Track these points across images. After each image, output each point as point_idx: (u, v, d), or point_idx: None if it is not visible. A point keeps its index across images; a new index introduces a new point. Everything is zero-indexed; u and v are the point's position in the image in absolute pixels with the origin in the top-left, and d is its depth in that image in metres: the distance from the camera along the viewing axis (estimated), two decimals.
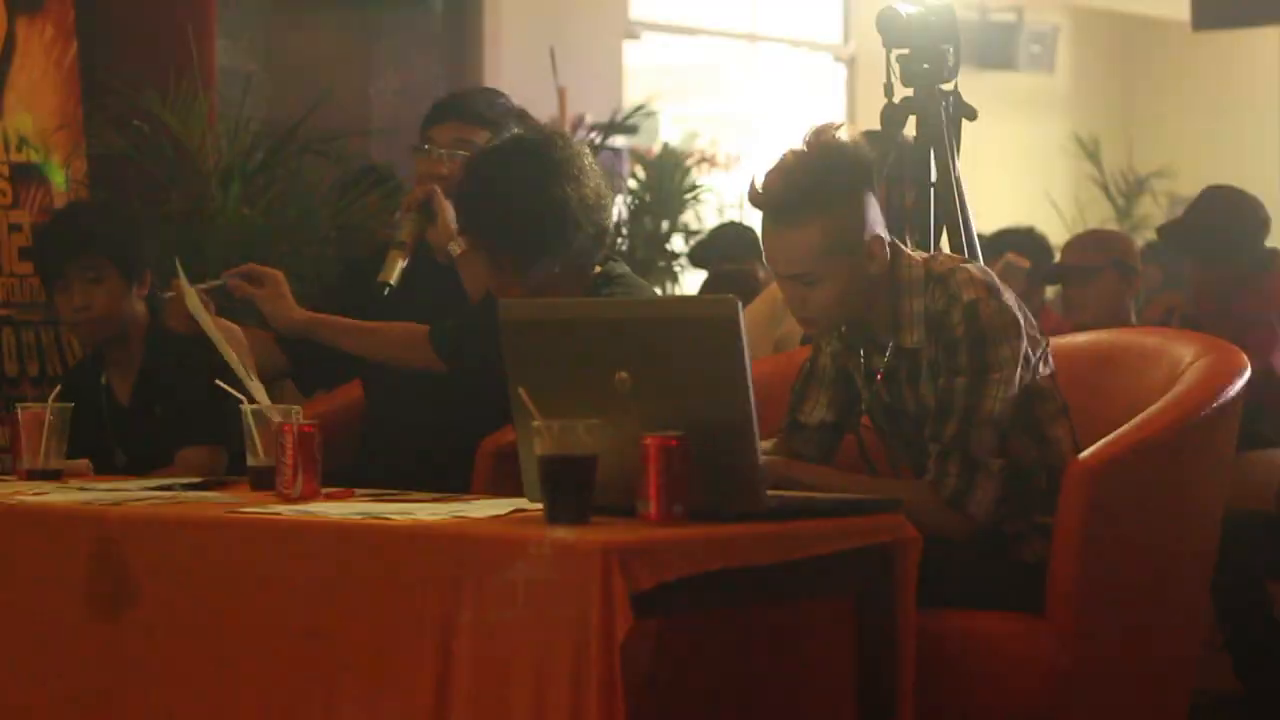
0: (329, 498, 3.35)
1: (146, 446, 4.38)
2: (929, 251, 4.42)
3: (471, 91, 4.36)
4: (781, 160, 3.39)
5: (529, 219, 3.78)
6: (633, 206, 7.78)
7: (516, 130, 4.11)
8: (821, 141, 3.39)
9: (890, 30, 4.48)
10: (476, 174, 3.88)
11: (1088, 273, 5.90)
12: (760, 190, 3.39)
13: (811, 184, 3.36)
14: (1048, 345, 3.55)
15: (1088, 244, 6.18)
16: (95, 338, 4.49)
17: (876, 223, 3.42)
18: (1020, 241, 6.92)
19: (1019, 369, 3.40)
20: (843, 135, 3.40)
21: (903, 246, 3.50)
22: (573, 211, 3.79)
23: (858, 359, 3.56)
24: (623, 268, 3.98)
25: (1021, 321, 3.44)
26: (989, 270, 3.52)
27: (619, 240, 7.49)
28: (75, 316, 4.44)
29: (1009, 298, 3.44)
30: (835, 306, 3.43)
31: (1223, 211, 5.86)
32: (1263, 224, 5.86)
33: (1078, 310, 5.86)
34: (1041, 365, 3.50)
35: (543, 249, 3.80)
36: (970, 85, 4.54)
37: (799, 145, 3.40)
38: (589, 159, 3.86)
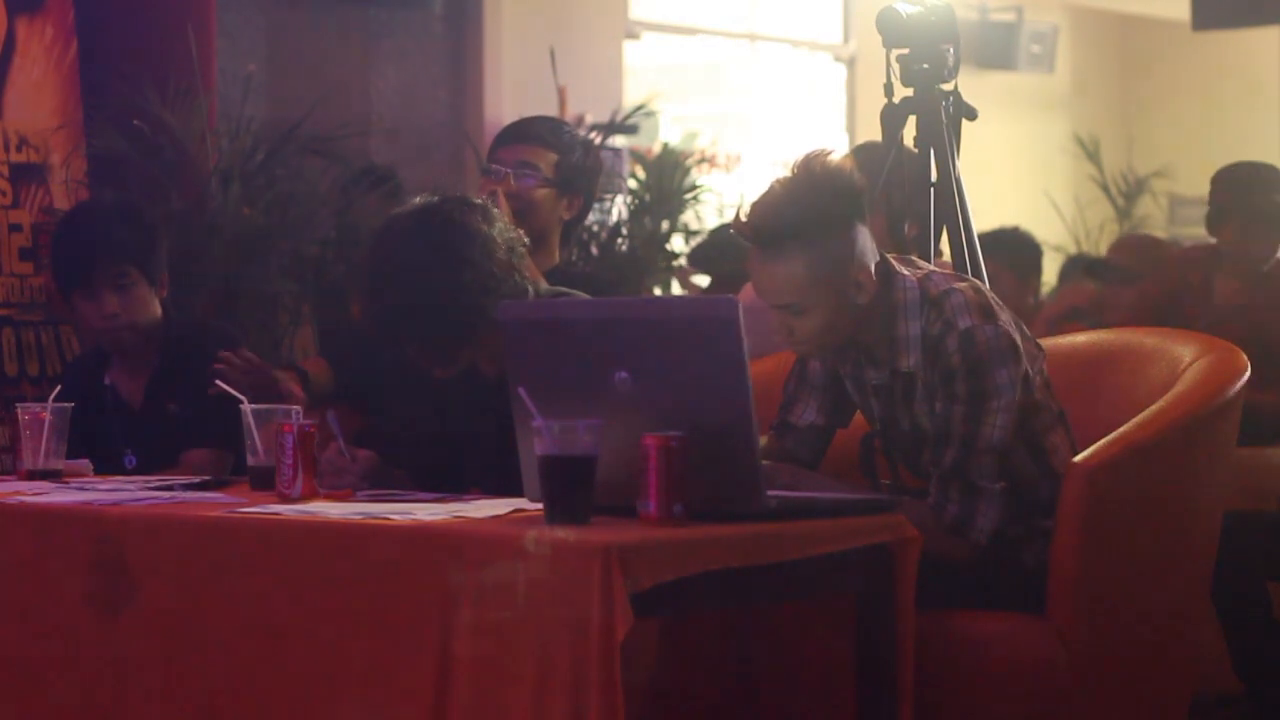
0: (329, 498, 3.35)
1: (160, 448, 4.36)
2: (928, 249, 4.42)
3: (536, 118, 4.39)
4: (769, 191, 3.35)
5: (443, 325, 3.53)
6: (633, 206, 7.75)
7: (409, 206, 3.71)
8: (810, 172, 3.33)
9: (890, 30, 4.48)
10: (382, 279, 3.58)
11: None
12: (746, 222, 3.35)
13: (797, 217, 3.31)
14: (1044, 357, 3.53)
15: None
16: (124, 344, 4.42)
17: (866, 253, 3.37)
18: (1006, 242, 6.91)
19: (1017, 392, 3.39)
20: (833, 162, 3.34)
21: (897, 266, 3.45)
22: (486, 287, 3.51)
23: (849, 367, 3.55)
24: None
25: (1019, 342, 3.41)
26: (983, 289, 3.48)
27: (619, 240, 7.47)
28: (105, 324, 4.38)
29: (1005, 319, 3.41)
30: (822, 335, 3.40)
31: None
32: None
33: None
34: (1037, 378, 3.48)
35: (464, 340, 3.56)
36: (970, 85, 4.53)
37: (787, 174, 3.35)
38: (494, 213, 3.61)
